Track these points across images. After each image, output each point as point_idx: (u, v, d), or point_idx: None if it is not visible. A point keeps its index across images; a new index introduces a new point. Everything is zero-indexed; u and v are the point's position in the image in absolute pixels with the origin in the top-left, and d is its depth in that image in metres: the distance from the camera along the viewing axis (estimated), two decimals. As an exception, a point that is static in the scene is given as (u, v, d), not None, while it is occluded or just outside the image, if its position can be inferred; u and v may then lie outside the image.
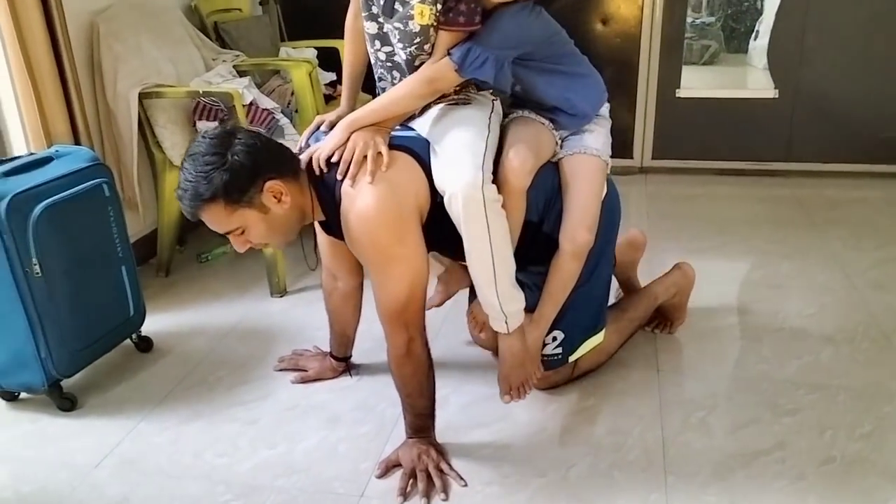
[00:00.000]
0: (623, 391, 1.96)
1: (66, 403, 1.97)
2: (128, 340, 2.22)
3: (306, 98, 2.76)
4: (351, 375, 2.07)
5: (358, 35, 1.75)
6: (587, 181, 1.73)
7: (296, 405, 1.95)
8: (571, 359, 1.89)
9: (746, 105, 3.71)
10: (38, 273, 1.82)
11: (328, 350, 2.09)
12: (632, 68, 3.66)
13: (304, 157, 1.63)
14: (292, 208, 1.56)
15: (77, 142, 2.31)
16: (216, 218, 1.51)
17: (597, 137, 1.79)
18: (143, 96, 2.47)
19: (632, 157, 3.79)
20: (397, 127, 1.68)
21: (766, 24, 4.93)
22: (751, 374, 2.02)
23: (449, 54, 1.57)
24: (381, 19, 1.63)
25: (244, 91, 2.51)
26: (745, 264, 2.76)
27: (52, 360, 1.90)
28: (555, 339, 1.84)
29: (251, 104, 2.59)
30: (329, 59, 3.45)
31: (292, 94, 2.90)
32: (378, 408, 1.92)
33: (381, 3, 1.60)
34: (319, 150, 1.59)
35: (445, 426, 1.79)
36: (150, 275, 2.76)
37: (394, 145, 1.59)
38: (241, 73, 2.84)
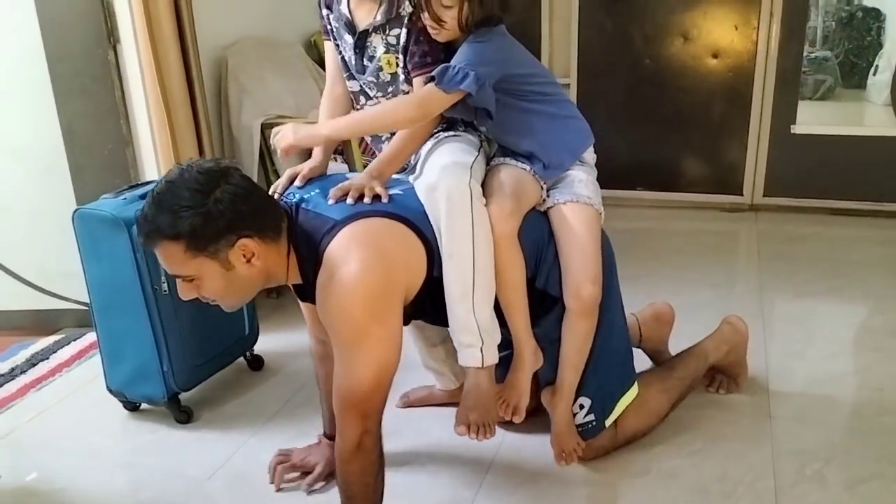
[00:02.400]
0: (732, 436, 1.89)
1: (183, 416, 2.07)
2: (241, 358, 2.32)
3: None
4: None
5: (334, 100, 1.78)
6: (584, 231, 1.63)
7: (395, 430, 1.95)
8: (608, 422, 1.78)
9: (865, 143, 3.55)
10: (165, 291, 1.94)
11: (317, 438, 1.85)
12: (744, 103, 3.57)
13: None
14: (258, 272, 1.40)
15: (204, 168, 2.44)
16: (170, 258, 1.36)
17: (586, 185, 1.70)
18: (264, 127, 2.60)
19: (741, 194, 3.68)
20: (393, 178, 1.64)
21: (887, 59, 4.71)
22: (871, 426, 1.91)
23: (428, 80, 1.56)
24: (357, 77, 1.70)
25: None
26: (862, 309, 2.63)
27: (173, 374, 2.01)
28: (582, 406, 1.75)
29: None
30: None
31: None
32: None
33: (353, 63, 1.68)
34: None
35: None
36: (261, 296, 2.85)
37: (391, 214, 1.48)
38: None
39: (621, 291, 1.80)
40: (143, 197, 1.94)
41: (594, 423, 1.77)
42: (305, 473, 1.79)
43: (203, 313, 2.04)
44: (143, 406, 2.14)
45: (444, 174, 1.51)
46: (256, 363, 2.35)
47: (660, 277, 2.86)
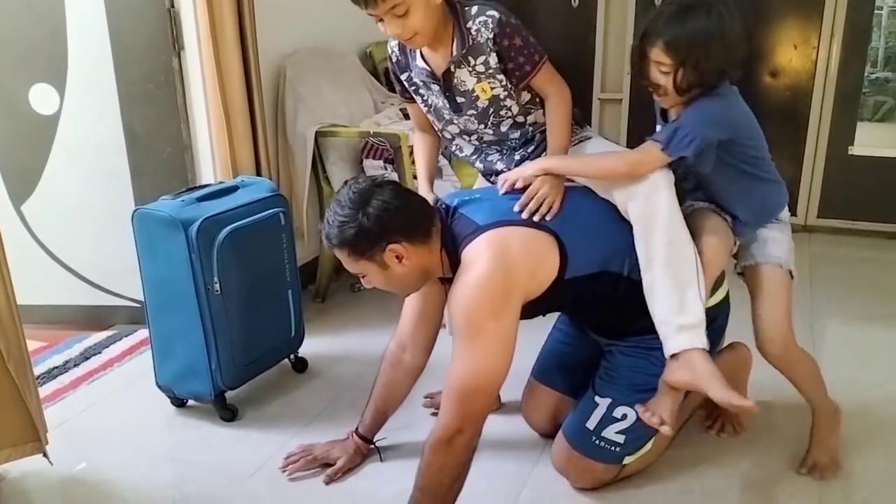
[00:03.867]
0: (778, 459, 1.86)
1: (228, 414, 2.11)
2: (285, 360, 2.36)
3: (466, 140, 2.85)
4: (381, 459, 1.92)
5: (426, 139, 1.92)
6: (775, 294, 1.70)
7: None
8: (627, 461, 1.73)
9: (926, 166, 3.46)
10: (217, 291, 1.99)
11: (346, 434, 1.93)
12: (801, 122, 3.51)
13: (499, 182, 1.68)
14: (412, 269, 1.58)
15: (259, 173, 2.51)
16: (343, 260, 1.59)
17: (779, 245, 1.73)
18: (318, 135, 2.65)
19: (795, 215, 3.61)
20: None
21: (952, 82, 4.58)
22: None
23: (655, 139, 1.57)
24: (455, 120, 1.76)
25: (410, 133, 2.64)
26: (920, 337, 2.55)
27: (221, 373, 2.06)
28: (625, 416, 1.69)
29: (415, 145, 2.71)
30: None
31: (452, 136, 3.01)
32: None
33: (447, 107, 1.76)
34: (511, 175, 1.66)
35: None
36: (307, 300, 2.92)
37: (534, 223, 1.58)
38: (407, 116, 2.98)
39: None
40: (200, 199, 2.02)
41: (618, 450, 1.70)
42: (327, 465, 1.87)
43: (252, 314, 2.10)
44: (190, 403, 2.19)
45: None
46: (300, 365, 2.39)
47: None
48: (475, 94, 1.71)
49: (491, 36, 1.62)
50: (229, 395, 2.15)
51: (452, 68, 1.67)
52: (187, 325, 2.03)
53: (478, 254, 1.52)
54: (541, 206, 1.59)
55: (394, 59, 1.80)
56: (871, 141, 3.96)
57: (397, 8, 1.52)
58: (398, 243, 1.53)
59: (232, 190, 2.14)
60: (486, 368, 1.49)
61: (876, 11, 3.45)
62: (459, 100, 1.73)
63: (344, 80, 2.93)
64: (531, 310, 1.63)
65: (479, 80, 1.68)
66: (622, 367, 1.73)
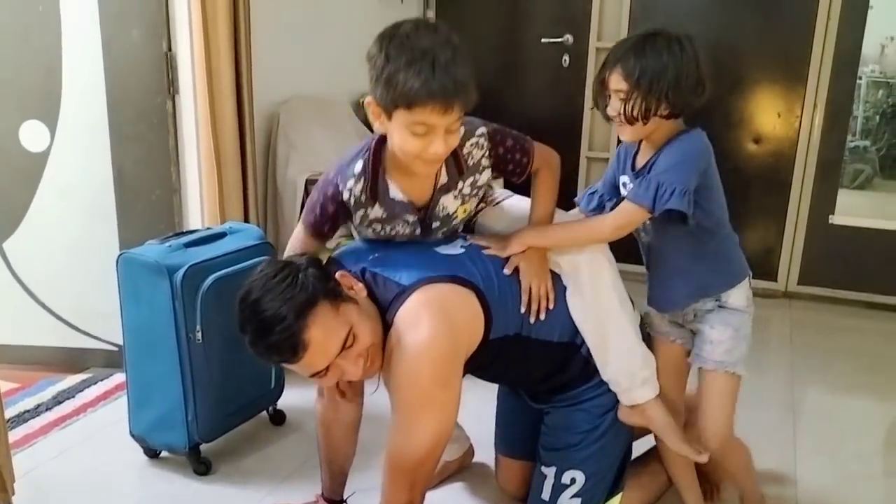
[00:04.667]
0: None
1: (202, 467, 2.06)
2: (263, 412, 2.31)
3: (455, 194, 2.87)
4: None
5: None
6: (717, 404, 1.63)
7: None
8: None
9: (906, 238, 3.52)
10: (198, 339, 1.95)
11: (315, 496, 1.86)
12: (783, 189, 3.57)
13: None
14: (366, 298, 1.48)
15: (247, 220, 2.49)
16: (328, 325, 1.37)
17: (721, 345, 1.60)
18: (308, 182, 2.64)
19: (776, 280, 3.65)
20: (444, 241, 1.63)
21: (930, 155, 4.69)
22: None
23: (634, 199, 1.52)
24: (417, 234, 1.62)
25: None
26: (899, 409, 2.57)
27: (198, 424, 2.01)
28: (573, 480, 1.66)
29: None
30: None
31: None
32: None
33: (415, 233, 1.61)
34: (492, 251, 1.59)
35: None
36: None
37: (457, 278, 1.50)
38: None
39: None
40: (187, 245, 2.00)
41: None
42: None
43: (232, 364, 2.06)
44: (164, 454, 2.13)
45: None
46: (278, 418, 2.34)
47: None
48: (454, 216, 1.62)
49: (485, 153, 1.55)
50: (204, 447, 2.09)
51: (437, 195, 1.55)
52: (166, 374, 1.98)
53: (415, 317, 1.42)
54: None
55: (350, 201, 1.55)
56: (850, 208, 4.04)
57: (453, 123, 1.36)
58: (339, 272, 1.46)
59: (220, 236, 2.12)
60: (432, 438, 1.43)
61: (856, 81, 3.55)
62: (435, 224, 1.61)
63: (336, 129, 2.94)
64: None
65: (462, 202, 1.59)
66: (557, 429, 1.70)
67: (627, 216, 1.54)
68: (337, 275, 1.45)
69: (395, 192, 1.54)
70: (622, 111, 1.47)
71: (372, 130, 3.25)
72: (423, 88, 1.27)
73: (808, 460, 2.17)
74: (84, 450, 2.17)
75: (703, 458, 1.61)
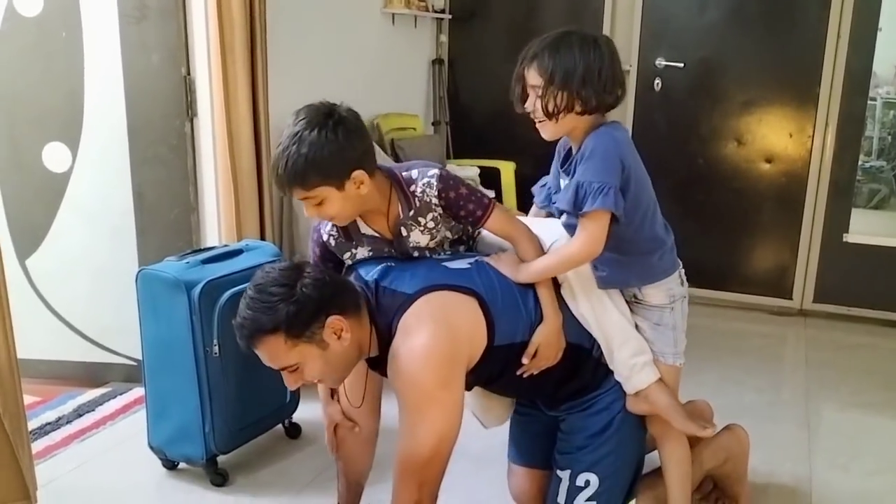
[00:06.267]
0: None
1: (219, 479, 2.09)
2: (279, 425, 2.34)
3: (468, 213, 2.91)
4: None
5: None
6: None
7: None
8: None
9: (921, 255, 3.51)
10: (216, 353, 2.00)
11: None
12: (796, 208, 3.58)
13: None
14: (351, 345, 1.51)
15: (263, 237, 2.54)
16: (273, 352, 1.46)
17: (655, 338, 1.66)
18: (322, 201, 2.70)
19: (791, 298, 3.64)
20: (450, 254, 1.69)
21: (945, 173, 4.68)
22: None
23: (560, 206, 1.55)
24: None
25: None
26: (915, 426, 2.56)
27: (214, 436, 2.05)
28: (588, 483, 1.67)
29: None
30: (490, 178, 3.64)
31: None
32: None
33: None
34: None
35: None
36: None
37: (460, 287, 1.55)
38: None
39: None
40: (204, 262, 2.05)
41: None
42: None
43: (248, 378, 2.10)
44: (181, 465, 2.16)
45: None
46: (294, 431, 2.37)
47: (703, 376, 2.82)
48: (427, 247, 1.67)
49: (436, 193, 1.59)
50: (221, 459, 2.13)
51: (404, 231, 1.62)
52: (184, 387, 2.03)
53: (416, 322, 1.48)
54: None
55: (331, 242, 1.66)
56: (866, 228, 4.03)
57: (309, 200, 1.50)
58: (336, 315, 1.47)
59: (236, 253, 2.17)
60: (436, 440, 1.47)
61: (870, 102, 3.56)
62: (415, 255, 1.67)
63: (351, 150, 2.99)
64: (468, 383, 1.58)
65: (432, 237, 1.64)
66: (571, 433, 1.72)
67: (583, 233, 1.52)
68: (328, 321, 1.46)
69: (365, 228, 1.64)
70: (538, 106, 1.51)
71: (384, 150, 3.31)
72: (273, 175, 1.53)
73: (822, 476, 2.17)
74: (104, 461, 2.21)
75: (709, 433, 1.65)
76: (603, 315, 1.65)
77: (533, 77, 1.51)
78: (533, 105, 1.53)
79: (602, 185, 1.47)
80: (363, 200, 1.55)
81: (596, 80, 1.49)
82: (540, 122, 1.54)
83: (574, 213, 1.52)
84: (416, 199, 1.59)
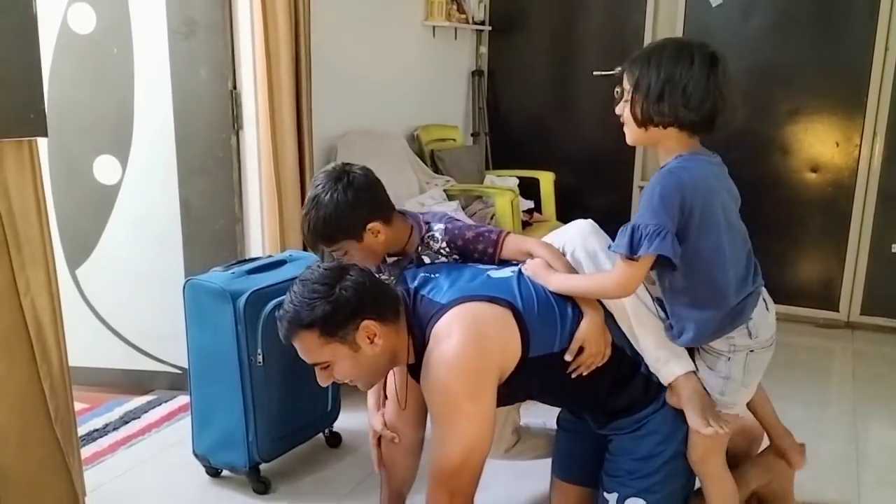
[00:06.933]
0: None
1: (261, 486, 2.12)
2: (320, 434, 2.37)
3: (507, 223, 2.92)
4: None
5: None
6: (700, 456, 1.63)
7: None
8: None
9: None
10: (260, 363, 2.03)
11: None
12: (843, 218, 3.51)
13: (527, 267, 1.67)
14: (383, 351, 1.54)
15: (305, 248, 2.57)
16: (308, 346, 1.52)
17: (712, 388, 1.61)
18: (363, 212, 2.73)
19: (837, 311, 3.57)
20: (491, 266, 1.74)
21: None
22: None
23: (614, 249, 1.50)
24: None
25: (452, 214, 2.70)
26: (967, 444, 2.48)
27: (257, 444, 2.07)
28: None
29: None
30: (529, 188, 3.63)
31: (492, 217, 3.07)
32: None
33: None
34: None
35: None
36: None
37: (495, 298, 1.57)
38: (451, 197, 3.06)
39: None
40: (249, 272, 2.09)
41: None
42: None
43: (291, 387, 2.13)
44: (224, 473, 2.20)
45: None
46: (335, 440, 2.40)
47: (747, 391, 2.78)
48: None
49: (445, 246, 1.75)
50: (263, 467, 2.16)
51: (427, 259, 1.78)
52: (228, 395, 2.06)
53: (447, 330, 1.51)
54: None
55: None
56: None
57: (336, 253, 1.70)
58: (371, 321, 1.51)
59: (280, 264, 2.20)
60: (465, 449, 1.48)
61: (918, 111, 3.49)
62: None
63: (391, 161, 3.03)
64: (504, 395, 1.58)
65: (447, 257, 1.78)
66: (619, 454, 1.70)
67: (622, 272, 1.51)
68: (362, 324, 1.50)
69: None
70: (623, 111, 1.52)
71: (424, 162, 3.35)
72: (302, 235, 1.78)
73: (871, 493, 2.12)
74: (149, 468, 2.26)
75: (709, 432, 1.55)
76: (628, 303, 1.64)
77: (624, 81, 1.53)
78: (620, 109, 1.54)
79: (658, 227, 1.43)
80: (384, 245, 1.73)
81: (679, 96, 1.44)
82: (626, 124, 1.55)
83: (629, 257, 1.47)
84: (418, 248, 1.75)
